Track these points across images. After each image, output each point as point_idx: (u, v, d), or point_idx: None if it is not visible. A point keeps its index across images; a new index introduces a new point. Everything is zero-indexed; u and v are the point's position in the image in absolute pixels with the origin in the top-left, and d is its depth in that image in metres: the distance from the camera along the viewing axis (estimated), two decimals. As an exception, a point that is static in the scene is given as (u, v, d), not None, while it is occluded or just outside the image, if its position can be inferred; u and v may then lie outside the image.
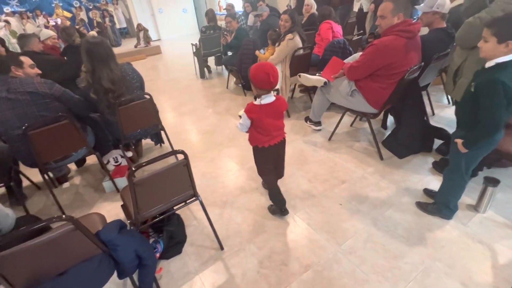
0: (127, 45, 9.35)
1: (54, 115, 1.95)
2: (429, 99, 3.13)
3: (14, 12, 9.38)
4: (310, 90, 3.71)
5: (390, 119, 3.05)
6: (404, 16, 2.11)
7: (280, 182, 1.97)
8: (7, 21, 8.69)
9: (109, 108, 2.22)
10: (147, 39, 8.65)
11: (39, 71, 2.11)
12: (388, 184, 2.21)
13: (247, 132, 1.73)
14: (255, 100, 1.61)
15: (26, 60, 2.03)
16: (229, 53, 4.98)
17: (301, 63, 3.29)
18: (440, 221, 1.84)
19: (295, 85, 4.01)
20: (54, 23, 9.29)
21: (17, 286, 1.09)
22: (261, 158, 1.79)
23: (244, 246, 1.81)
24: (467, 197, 1.98)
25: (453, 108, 3.01)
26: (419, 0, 4.51)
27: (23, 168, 2.43)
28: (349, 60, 2.77)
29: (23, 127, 1.85)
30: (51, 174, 2.62)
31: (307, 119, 3.22)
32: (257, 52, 3.40)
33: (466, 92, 1.52)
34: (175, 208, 1.70)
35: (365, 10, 5.32)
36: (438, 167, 2.29)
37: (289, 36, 3.13)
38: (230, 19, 4.26)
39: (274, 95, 1.63)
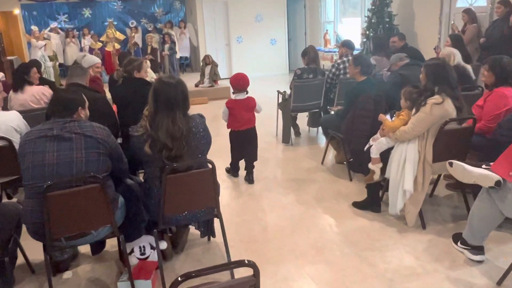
0: (186, 82, 10.71)
1: (87, 175, 2.30)
2: None
3: (62, 29, 12.00)
4: (465, 188, 3.55)
5: None
6: None
7: None
8: (48, 38, 11.12)
9: (162, 171, 2.47)
10: (214, 77, 9.79)
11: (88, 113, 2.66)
12: None
13: (226, 120, 4.34)
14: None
15: (85, 99, 2.61)
16: (332, 112, 5.20)
17: (454, 143, 3.27)
18: None
19: (440, 176, 3.89)
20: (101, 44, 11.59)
21: None
22: (233, 138, 4.38)
23: None
24: None
25: None
26: None
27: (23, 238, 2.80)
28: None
29: (48, 183, 2.19)
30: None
31: (457, 238, 3.03)
32: (381, 116, 3.44)
33: None
34: None
35: None
36: None
37: (435, 99, 3.14)
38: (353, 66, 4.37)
39: (246, 95, 4.20)
